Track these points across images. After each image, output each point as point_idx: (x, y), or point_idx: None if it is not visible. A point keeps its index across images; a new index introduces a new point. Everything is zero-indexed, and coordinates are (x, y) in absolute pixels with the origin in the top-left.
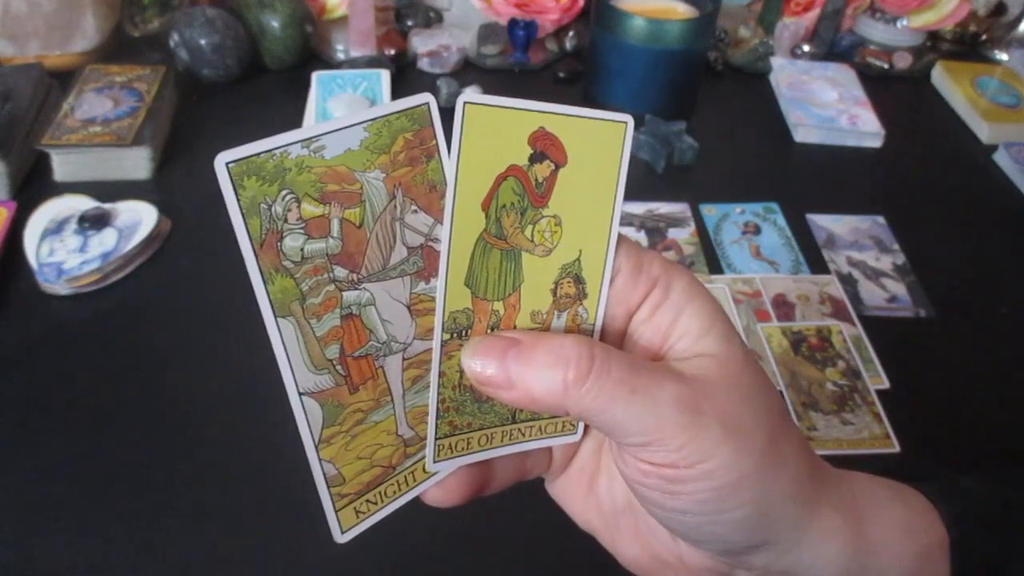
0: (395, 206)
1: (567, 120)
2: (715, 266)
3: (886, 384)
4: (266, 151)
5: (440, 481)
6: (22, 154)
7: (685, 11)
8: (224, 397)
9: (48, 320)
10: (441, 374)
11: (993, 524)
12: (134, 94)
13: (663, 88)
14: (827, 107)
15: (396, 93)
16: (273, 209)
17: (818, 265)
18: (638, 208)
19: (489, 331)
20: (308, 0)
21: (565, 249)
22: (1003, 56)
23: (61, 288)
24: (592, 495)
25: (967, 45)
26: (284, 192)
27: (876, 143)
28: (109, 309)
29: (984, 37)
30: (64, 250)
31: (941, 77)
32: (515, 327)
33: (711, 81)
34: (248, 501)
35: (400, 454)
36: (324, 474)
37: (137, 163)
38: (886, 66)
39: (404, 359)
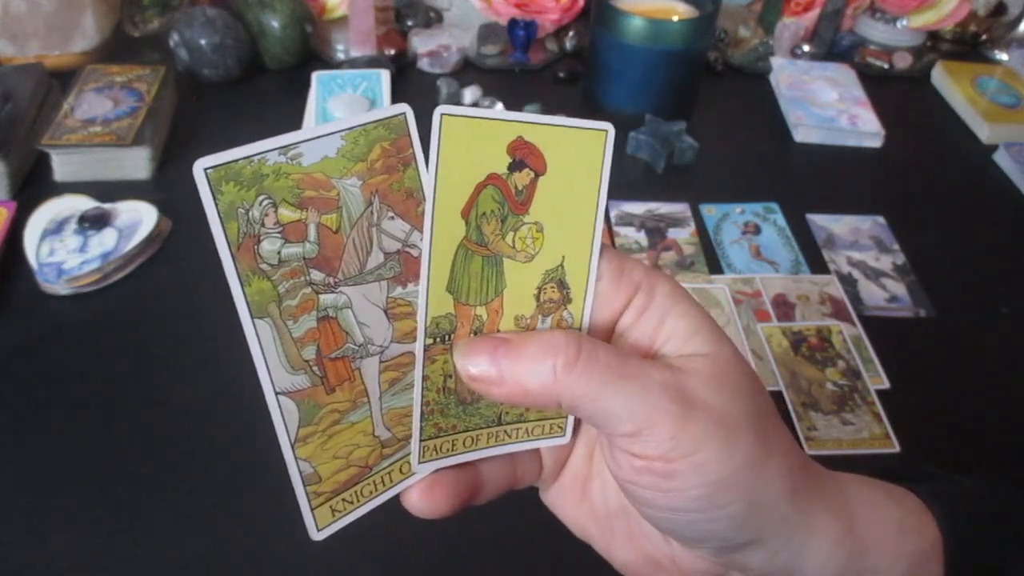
0: (372, 212)
1: (546, 129)
2: (715, 266)
3: (886, 384)
4: (244, 158)
5: (427, 491)
6: (22, 154)
7: (685, 11)
8: (224, 396)
9: (48, 320)
10: (425, 378)
11: (987, 525)
12: (134, 94)
13: (663, 88)
14: (827, 107)
15: (396, 93)
16: (250, 213)
17: (818, 265)
18: (638, 208)
19: (472, 335)
20: (308, 0)
21: (548, 255)
22: (1003, 56)
23: (61, 288)
24: (585, 501)
25: (967, 45)
26: (261, 197)
27: (876, 143)
28: (109, 309)
29: (984, 37)
30: (64, 250)
31: (941, 77)
32: (498, 331)
33: (711, 81)
34: (249, 500)
35: (377, 455)
36: (300, 472)
37: (137, 163)
38: (886, 66)
39: (381, 361)
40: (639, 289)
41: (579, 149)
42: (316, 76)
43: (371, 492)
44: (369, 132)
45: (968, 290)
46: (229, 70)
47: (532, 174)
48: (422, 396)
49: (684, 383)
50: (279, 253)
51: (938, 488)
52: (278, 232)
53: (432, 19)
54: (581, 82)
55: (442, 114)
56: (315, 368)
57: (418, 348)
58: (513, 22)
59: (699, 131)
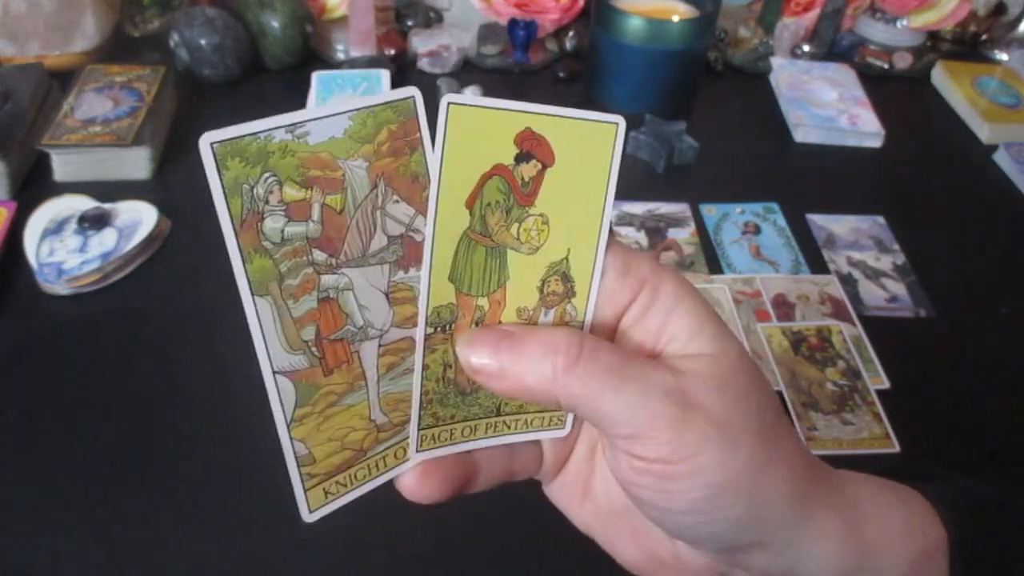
0: (377, 195)
1: (555, 121)
2: (715, 266)
3: (886, 384)
4: (251, 134)
5: (422, 477)
6: (22, 154)
7: (685, 11)
8: (224, 396)
9: (48, 320)
10: (425, 367)
11: (993, 525)
12: (134, 94)
13: (663, 88)
14: (827, 107)
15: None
16: (255, 190)
17: (818, 265)
18: (638, 208)
19: (473, 326)
20: (308, 0)
21: (553, 247)
22: (1003, 56)
23: (61, 288)
24: (589, 497)
25: (967, 45)
26: (266, 174)
27: (876, 143)
28: (109, 309)
29: (984, 37)
30: (64, 250)
31: (941, 77)
32: (500, 323)
33: (711, 81)
34: (251, 499)
35: (372, 439)
36: (295, 453)
37: (137, 163)
38: (886, 66)
39: (380, 345)
40: (644, 285)
41: (589, 142)
42: (316, 76)
43: (365, 476)
44: (377, 114)
45: (968, 290)
46: (229, 70)
47: (539, 166)
48: (421, 385)
49: (684, 386)
50: (282, 232)
51: (943, 488)
52: (282, 210)
53: (432, 19)
54: (581, 82)
55: (449, 103)
56: (314, 349)
57: (418, 337)
58: (513, 22)
59: (699, 131)
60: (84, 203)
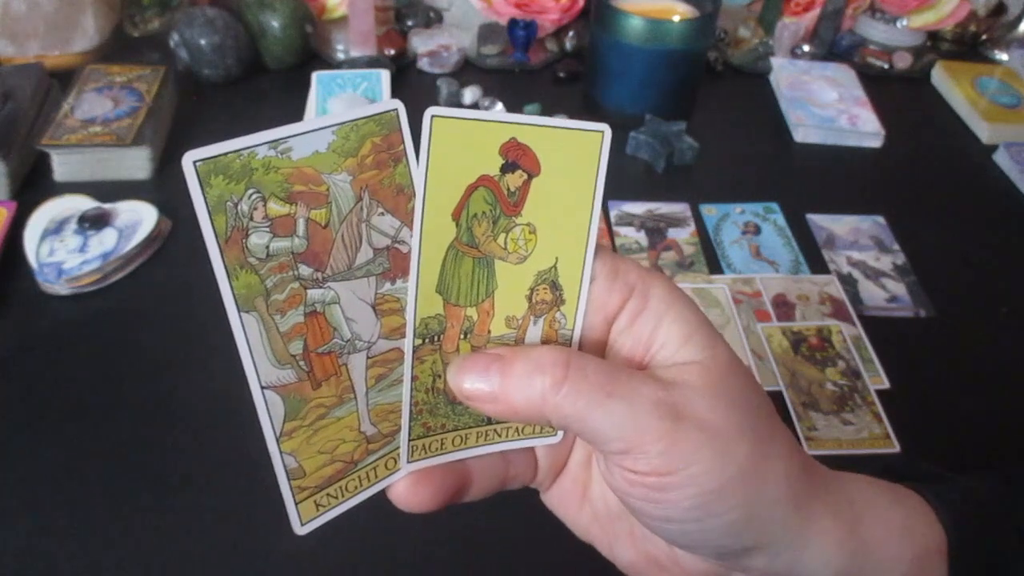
0: (362, 208)
1: (540, 130)
2: (715, 266)
3: (886, 384)
4: (234, 151)
5: (414, 486)
6: (22, 154)
7: (685, 11)
8: (224, 396)
9: (48, 320)
10: (414, 378)
11: (991, 525)
12: (134, 94)
13: (663, 88)
14: (827, 107)
15: (396, 93)
16: (239, 207)
17: (818, 265)
18: (638, 208)
19: (462, 336)
20: (308, 0)
21: (541, 256)
22: (1003, 56)
23: (61, 288)
24: (587, 503)
25: (967, 45)
26: (250, 191)
27: (876, 143)
28: (109, 309)
29: (984, 37)
30: (64, 250)
31: (941, 77)
32: (489, 332)
33: (711, 81)
34: (251, 499)
35: (362, 450)
36: (285, 467)
37: (137, 163)
38: (886, 66)
39: (368, 357)
40: (634, 291)
41: (575, 150)
42: (316, 76)
43: (356, 487)
44: (360, 127)
45: (968, 290)
46: (229, 70)
47: (525, 175)
48: (411, 396)
49: (675, 397)
50: (267, 247)
51: (941, 488)
52: (267, 226)
53: (432, 19)
54: (581, 82)
55: (432, 116)
56: (301, 362)
57: (407, 348)
58: (513, 22)
59: (699, 131)
60: (84, 203)
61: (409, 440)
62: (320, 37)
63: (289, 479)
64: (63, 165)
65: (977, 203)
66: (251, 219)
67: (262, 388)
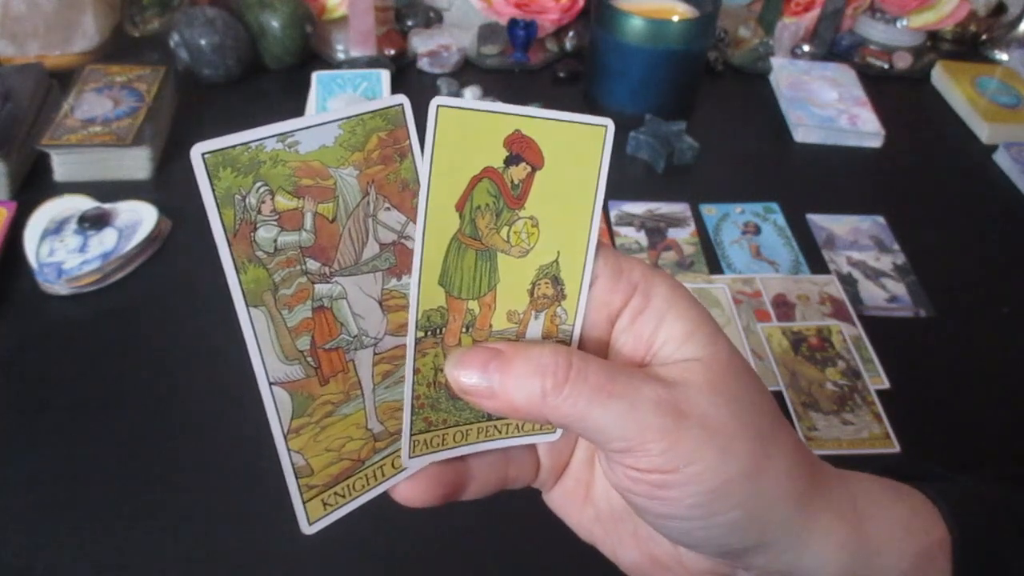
0: (368, 203)
1: (545, 123)
2: (715, 266)
3: (886, 384)
4: (242, 144)
5: (413, 480)
6: (22, 154)
7: (685, 11)
8: (224, 396)
9: (48, 320)
10: (416, 371)
11: (994, 524)
12: (134, 94)
13: (663, 88)
14: (827, 107)
15: (396, 93)
16: (247, 200)
17: (818, 265)
18: (638, 208)
19: (464, 330)
20: (308, 0)
21: (543, 250)
22: (1003, 56)
23: (61, 288)
24: (589, 504)
25: (967, 45)
26: (258, 184)
27: (876, 143)
28: (109, 309)
29: (984, 37)
30: (64, 250)
31: (941, 77)
32: (491, 326)
33: (711, 81)
34: (251, 499)
35: (369, 448)
36: (292, 464)
37: (137, 163)
38: (886, 66)
39: (375, 354)
40: (637, 290)
41: (578, 144)
42: (316, 76)
43: (363, 486)
44: (366, 122)
45: (968, 290)
46: (229, 70)
47: (529, 168)
48: (412, 390)
49: (676, 395)
50: (275, 241)
51: (944, 487)
52: (274, 220)
53: (432, 19)
54: (581, 82)
55: (439, 105)
56: (309, 359)
57: (409, 341)
58: (513, 22)
59: (699, 131)
60: (84, 203)
61: (411, 435)
62: (320, 37)
63: (297, 477)
64: (63, 165)
65: (977, 203)
66: (259, 212)
67: (270, 384)
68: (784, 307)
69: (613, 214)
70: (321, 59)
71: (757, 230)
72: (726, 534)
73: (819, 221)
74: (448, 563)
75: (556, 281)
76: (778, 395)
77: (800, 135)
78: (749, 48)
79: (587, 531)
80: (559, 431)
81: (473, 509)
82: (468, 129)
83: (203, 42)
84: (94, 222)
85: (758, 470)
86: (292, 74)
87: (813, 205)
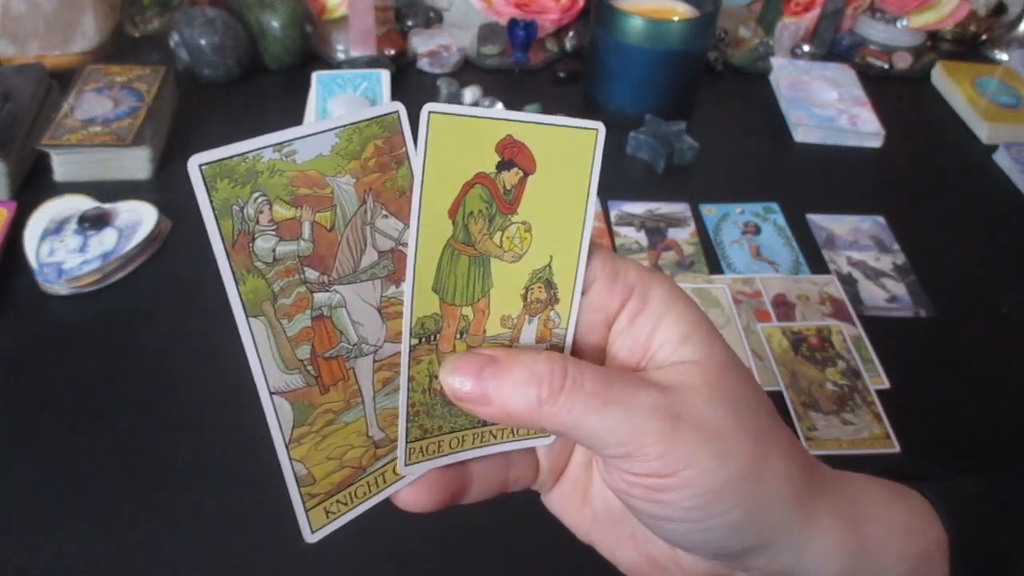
0: (366, 210)
1: (536, 128)
2: (715, 266)
3: (886, 384)
4: (239, 154)
5: (414, 486)
6: (22, 154)
7: (685, 11)
8: (224, 396)
9: (48, 320)
10: (410, 378)
11: (992, 525)
12: (134, 94)
13: (663, 88)
14: (827, 107)
15: (396, 93)
16: (245, 211)
17: (818, 265)
18: (638, 208)
19: (458, 336)
20: (308, 0)
21: (536, 255)
22: (1003, 56)
23: (61, 288)
24: (587, 506)
25: (967, 45)
26: (256, 194)
27: (876, 143)
28: (109, 309)
29: (984, 37)
30: (64, 250)
31: (941, 77)
32: (485, 331)
33: (711, 81)
34: (251, 500)
35: (370, 455)
36: (294, 474)
37: (137, 163)
38: (886, 66)
39: (375, 361)
40: (634, 292)
41: (569, 148)
42: (316, 76)
43: (365, 493)
44: (363, 130)
45: (968, 290)
46: (229, 70)
47: (521, 173)
48: (408, 397)
49: (673, 399)
50: (274, 251)
51: (942, 487)
52: (272, 230)
53: (432, 19)
54: (581, 82)
55: (430, 112)
56: (309, 367)
57: (403, 349)
58: (513, 22)
59: (699, 131)
60: (84, 203)
61: (407, 443)
62: (320, 37)
63: (299, 486)
64: (63, 165)
65: (977, 203)
66: (257, 223)
67: (271, 394)
68: (784, 307)
69: (613, 214)
70: (321, 59)
71: (757, 230)
72: (724, 536)
73: (819, 221)
74: (448, 563)
75: (549, 285)
76: (778, 395)
77: (800, 135)
78: (749, 48)
79: (585, 532)
80: (553, 435)
81: (473, 510)
82: (460, 135)
83: (203, 42)
84: (94, 222)
85: (756, 472)
86: (292, 74)
87: (813, 205)
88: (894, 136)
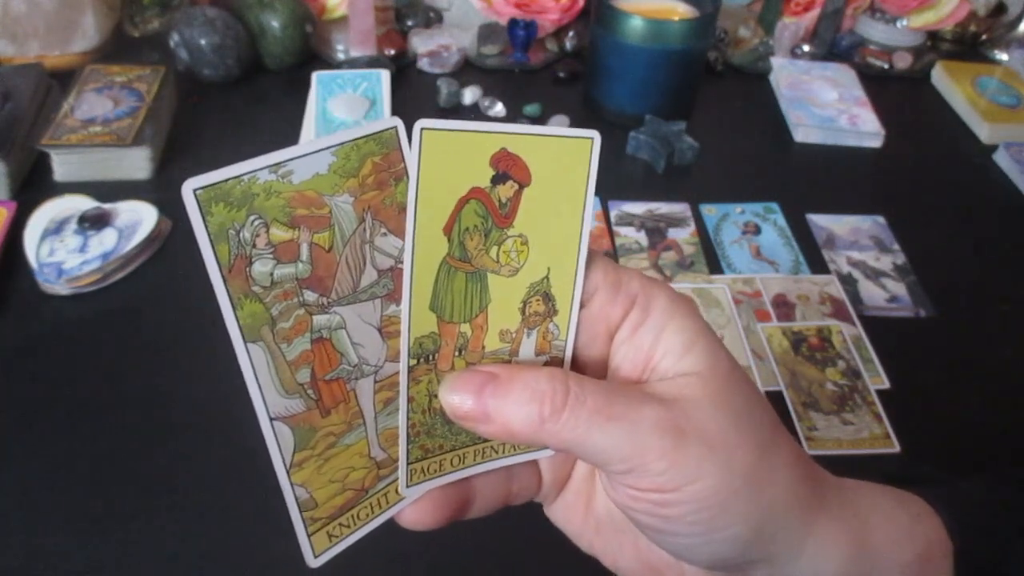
0: (364, 229)
1: (530, 139)
2: (715, 266)
3: (886, 384)
4: (233, 177)
5: (417, 504)
6: (22, 154)
7: (685, 11)
8: (224, 397)
9: (48, 320)
10: (410, 399)
11: (995, 528)
12: (134, 94)
13: (663, 88)
14: (827, 107)
15: (396, 93)
16: (241, 235)
17: (818, 265)
18: (638, 208)
19: (457, 353)
20: (308, 0)
21: (533, 267)
22: (1003, 56)
23: (61, 288)
24: (591, 516)
25: (967, 45)
26: (252, 217)
27: (876, 143)
28: (109, 309)
29: (984, 37)
30: (64, 250)
31: (941, 77)
32: (484, 347)
33: (711, 81)
34: (250, 500)
35: (373, 476)
36: (296, 498)
37: (137, 163)
38: (886, 66)
39: (376, 381)
40: (635, 302)
41: (564, 158)
42: (316, 76)
43: (368, 515)
44: (360, 147)
45: (968, 290)
46: (229, 70)
47: (516, 186)
48: (407, 419)
49: (676, 414)
50: (271, 274)
51: (943, 492)
52: (270, 253)
53: (432, 19)
54: (581, 82)
55: (422, 129)
56: (309, 391)
57: (402, 369)
58: (513, 22)
59: (699, 131)
60: (84, 203)
61: (408, 464)
62: (320, 37)
63: (301, 511)
64: (63, 165)
65: (977, 203)
66: (254, 246)
67: (271, 420)
68: (784, 307)
69: (613, 214)
70: (321, 59)
71: (757, 230)
72: (729, 548)
73: (819, 221)
74: (449, 565)
75: (547, 297)
76: (778, 395)
77: (800, 135)
78: (749, 48)
79: (588, 543)
80: None
81: (475, 521)
82: (453, 150)
83: (203, 42)
84: (94, 222)
85: (760, 484)
86: (292, 74)
87: (813, 205)
88: (894, 136)
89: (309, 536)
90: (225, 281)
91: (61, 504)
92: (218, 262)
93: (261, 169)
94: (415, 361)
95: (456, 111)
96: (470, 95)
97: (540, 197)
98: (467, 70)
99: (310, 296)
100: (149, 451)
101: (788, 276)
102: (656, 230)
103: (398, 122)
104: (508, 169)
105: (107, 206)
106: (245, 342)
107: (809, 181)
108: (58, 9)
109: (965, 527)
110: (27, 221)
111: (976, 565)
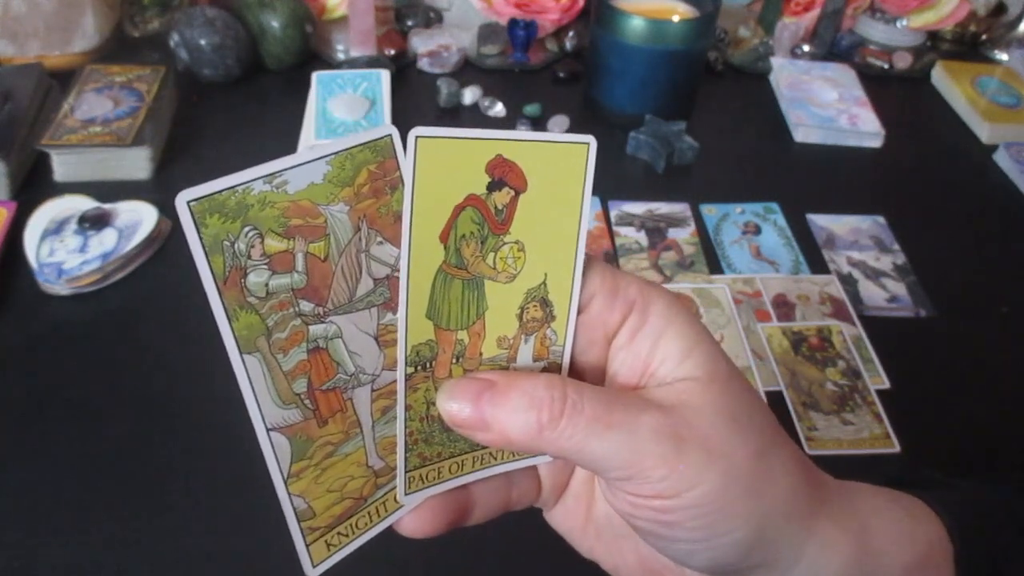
0: (360, 238)
1: (526, 145)
2: (715, 266)
3: (886, 384)
4: (228, 188)
5: (416, 512)
6: (22, 154)
7: (685, 11)
8: (224, 397)
9: (48, 320)
10: (407, 407)
11: (996, 529)
12: (134, 94)
13: (663, 88)
14: (827, 107)
15: (396, 93)
16: (236, 246)
17: (818, 265)
18: (638, 208)
19: (454, 360)
20: (308, 0)
21: (530, 273)
22: (1003, 56)
23: (61, 288)
24: (591, 521)
25: (967, 45)
26: (247, 228)
27: (876, 143)
28: (109, 309)
29: (984, 37)
30: (64, 250)
31: (941, 77)
32: (481, 354)
33: (711, 81)
34: (249, 501)
35: (371, 485)
36: (294, 508)
37: (137, 163)
38: (886, 66)
39: (373, 390)
40: (634, 307)
41: (561, 164)
42: (316, 76)
43: (366, 524)
44: (355, 155)
45: (968, 290)
46: (229, 70)
47: (512, 192)
48: (405, 427)
49: (675, 420)
50: (267, 285)
51: (944, 494)
52: (265, 263)
53: (432, 19)
54: (581, 82)
55: (417, 137)
56: (306, 401)
57: (399, 377)
58: (513, 22)
59: (699, 131)
60: (84, 203)
61: (406, 472)
62: (320, 37)
63: (299, 520)
64: (63, 165)
65: (977, 203)
66: (249, 257)
67: (268, 431)
68: (784, 307)
69: (613, 214)
70: (321, 59)
71: (757, 230)
72: (730, 553)
73: (819, 221)
74: (449, 569)
75: (544, 303)
76: (778, 395)
77: (800, 135)
78: (749, 48)
79: (588, 548)
80: None
81: (474, 525)
82: (449, 157)
83: (203, 42)
84: (94, 222)
85: (760, 489)
86: (292, 74)
87: (813, 205)
88: (894, 136)
89: (307, 546)
90: (220, 293)
91: (61, 503)
92: (213, 274)
93: (255, 180)
94: (412, 369)
95: (456, 111)
96: (470, 95)
97: (536, 203)
98: (467, 70)
99: (306, 306)
100: (149, 451)
101: (788, 276)
102: (656, 230)
103: (393, 130)
104: (504, 176)
105: (107, 206)
106: (241, 353)
107: (809, 181)
108: (58, 9)
109: (965, 529)
110: (27, 221)
111: (977, 567)
